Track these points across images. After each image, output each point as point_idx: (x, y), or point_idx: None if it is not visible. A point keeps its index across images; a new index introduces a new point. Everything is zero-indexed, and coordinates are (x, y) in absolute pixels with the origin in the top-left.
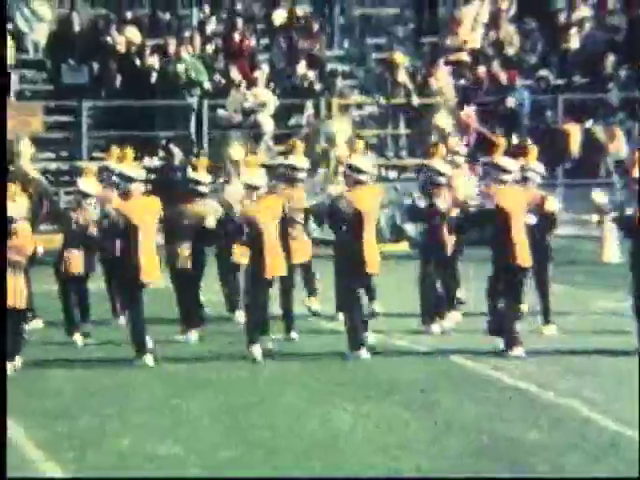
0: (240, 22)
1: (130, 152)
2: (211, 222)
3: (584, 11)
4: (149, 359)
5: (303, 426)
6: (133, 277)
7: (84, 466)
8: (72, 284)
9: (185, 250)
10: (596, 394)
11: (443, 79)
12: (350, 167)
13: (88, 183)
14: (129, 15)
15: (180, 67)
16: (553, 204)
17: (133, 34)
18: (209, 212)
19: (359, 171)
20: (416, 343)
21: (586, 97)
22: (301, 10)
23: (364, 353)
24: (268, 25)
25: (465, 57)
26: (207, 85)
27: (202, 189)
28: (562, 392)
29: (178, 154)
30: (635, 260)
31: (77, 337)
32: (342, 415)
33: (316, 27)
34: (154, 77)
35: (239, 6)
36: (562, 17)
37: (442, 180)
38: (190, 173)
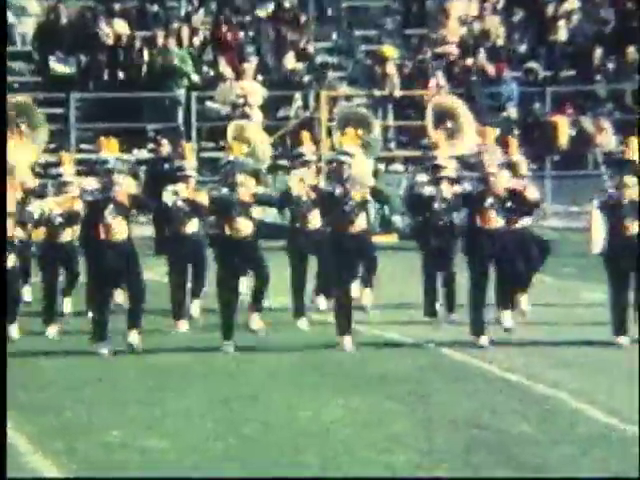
0: (228, 14)
1: (115, 142)
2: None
3: (572, 3)
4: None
5: (294, 419)
6: None
7: (73, 459)
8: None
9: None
10: (585, 386)
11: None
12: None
13: (68, 171)
14: (117, 7)
15: (169, 57)
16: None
17: (121, 26)
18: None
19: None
20: (406, 335)
21: (574, 89)
22: (288, 2)
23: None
24: (255, 17)
25: (453, 49)
26: (195, 77)
27: (187, 173)
28: (551, 384)
29: (166, 146)
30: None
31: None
32: (333, 408)
33: (303, 19)
34: (142, 69)
35: None
36: (550, 9)
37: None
38: (176, 161)
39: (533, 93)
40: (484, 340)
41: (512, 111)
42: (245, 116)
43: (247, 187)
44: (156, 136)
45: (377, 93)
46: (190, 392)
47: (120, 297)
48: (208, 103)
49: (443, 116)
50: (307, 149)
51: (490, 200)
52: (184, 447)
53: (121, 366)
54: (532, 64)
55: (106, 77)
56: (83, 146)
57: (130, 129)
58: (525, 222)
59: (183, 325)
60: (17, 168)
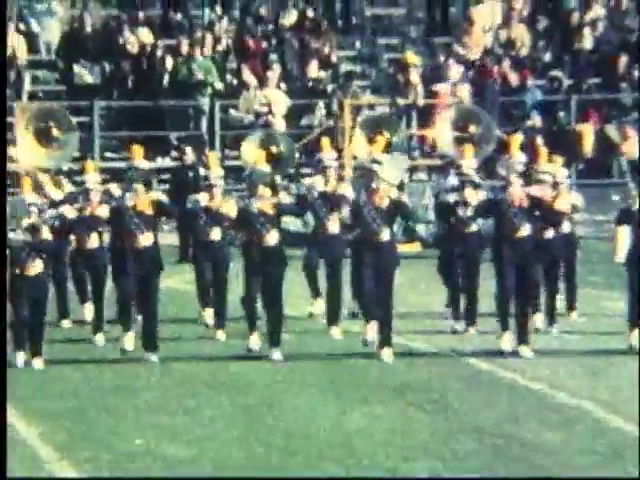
0: (251, 22)
1: (139, 149)
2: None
3: (597, 11)
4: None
5: (317, 428)
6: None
7: (98, 466)
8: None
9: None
10: (608, 395)
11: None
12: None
13: (92, 178)
14: (141, 15)
15: (193, 67)
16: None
17: (145, 35)
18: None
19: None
20: (429, 344)
21: (599, 97)
22: (312, 11)
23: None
24: (279, 26)
25: (478, 57)
26: (218, 86)
27: (212, 182)
28: (574, 393)
29: (190, 154)
30: None
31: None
32: (356, 417)
33: (325, 27)
34: (166, 77)
35: (251, 6)
36: (575, 17)
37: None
38: (201, 169)
39: (557, 101)
40: (526, 351)
41: (536, 119)
42: (268, 125)
43: (268, 198)
44: (180, 144)
45: (400, 101)
46: (214, 400)
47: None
48: (232, 111)
49: (465, 122)
50: (326, 155)
51: (513, 209)
52: (208, 455)
53: (144, 374)
54: (556, 72)
55: (130, 85)
56: (107, 154)
57: (154, 137)
58: (560, 230)
59: (221, 334)
60: (44, 179)
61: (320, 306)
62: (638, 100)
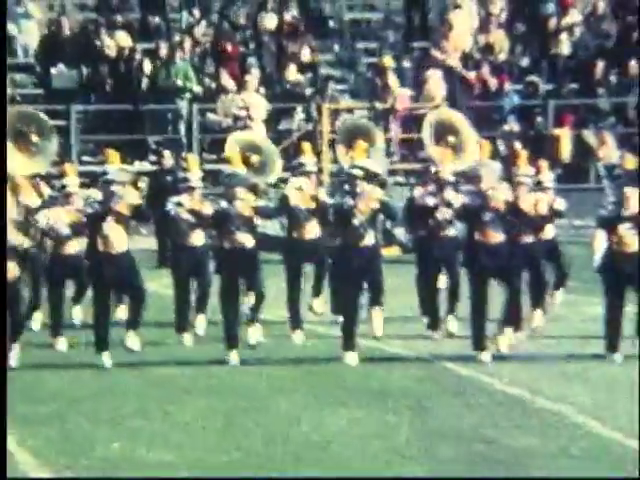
0: (229, 26)
1: (116, 154)
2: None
3: (574, 17)
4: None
5: (295, 432)
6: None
7: (76, 472)
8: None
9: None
10: (588, 400)
11: (435, 85)
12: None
13: (72, 181)
14: (119, 19)
15: (172, 72)
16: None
17: (123, 38)
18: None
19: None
20: (408, 349)
21: (576, 102)
22: (290, 15)
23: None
24: (258, 29)
25: (456, 62)
26: (197, 89)
27: (192, 184)
28: (554, 398)
29: (169, 157)
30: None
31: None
32: (335, 421)
33: (302, 30)
34: (145, 81)
35: (229, 10)
36: (553, 22)
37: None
38: (180, 173)
39: (535, 106)
40: (486, 356)
41: (513, 124)
42: (247, 128)
43: (246, 200)
44: (158, 148)
45: (379, 106)
46: (192, 405)
47: (122, 313)
48: (210, 115)
49: (444, 131)
50: (308, 159)
51: (489, 215)
52: (186, 460)
53: (124, 379)
54: (533, 77)
55: (108, 89)
56: (85, 158)
57: (132, 141)
58: (538, 236)
59: (187, 338)
60: (21, 182)
61: (321, 304)
62: (615, 105)
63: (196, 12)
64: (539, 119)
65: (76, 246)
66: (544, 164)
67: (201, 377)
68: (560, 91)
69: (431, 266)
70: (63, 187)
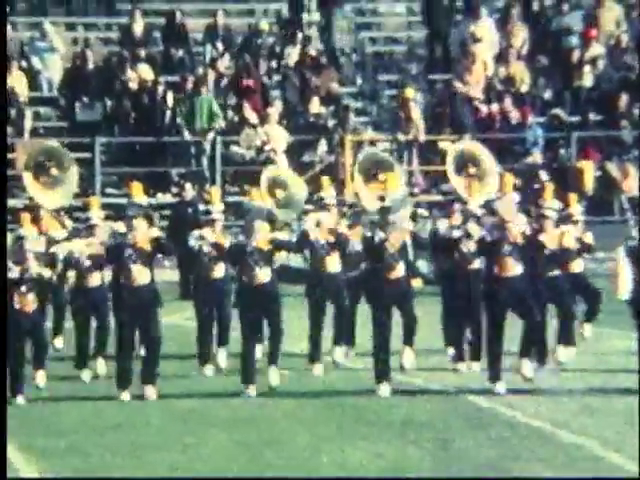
0: (252, 59)
1: (139, 186)
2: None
3: (597, 49)
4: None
5: (317, 464)
6: None
7: None
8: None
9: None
10: (611, 434)
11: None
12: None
13: (96, 214)
14: (142, 53)
15: (197, 105)
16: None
17: (145, 71)
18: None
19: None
20: (430, 381)
21: (600, 135)
22: (314, 48)
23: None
24: (281, 62)
25: (479, 94)
26: (221, 124)
27: (214, 217)
28: (577, 431)
29: (190, 190)
30: None
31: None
32: (356, 454)
33: (325, 62)
34: (167, 114)
35: (252, 43)
36: (576, 55)
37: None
38: (202, 205)
39: (558, 138)
40: (501, 387)
41: (537, 156)
42: (270, 161)
43: (263, 234)
44: (180, 181)
45: (401, 138)
46: (213, 437)
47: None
48: (233, 148)
49: (465, 162)
50: (327, 193)
51: (507, 248)
52: None
53: (144, 411)
54: (557, 110)
55: (131, 122)
56: (108, 190)
57: (154, 174)
58: (565, 270)
59: (209, 369)
60: (45, 215)
61: (342, 354)
62: (638, 138)
63: (219, 45)
64: (562, 151)
65: (98, 279)
66: (573, 197)
67: (222, 409)
68: (583, 123)
69: (456, 299)
70: (87, 220)
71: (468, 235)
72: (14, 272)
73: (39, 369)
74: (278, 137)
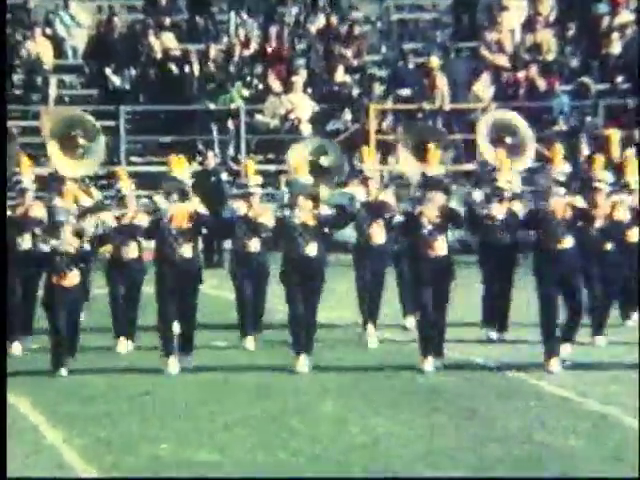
0: (278, 27)
1: (182, 160)
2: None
3: (626, 16)
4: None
5: (342, 432)
6: None
7: (122, 471)
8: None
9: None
10: (635, 401)
11: (483, 86)
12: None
13: (126, 184)
14: (167, 20)
15: (219, 72)
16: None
17: (170, 39)
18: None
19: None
20: (455, 351)
21: (627, 102)
22: (337, 17)
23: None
24: (305, 30)
25: (504, 61)
26: (245, 94)
27: (251, 190)
28: (601, 400)
29: (212, 158)
30: None
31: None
32: (382, 422)
33: (357, 31)
34: (193, 82)
35: (276, 12)
36: (604, 22)
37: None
38: (223, 175)
39: (585, 106)
40: (555, 365)
41: (564, 125)
42: (295, 130)
43: (307, 209)
44: (204, 149)
45: (426, 106)
46: (239, 406)
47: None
48: (257, 116)
49: (502, 132)
50: (368, 165)
51: (555, 221)
52: (232, 460)
53: (171, 380)
54: (585, 78)
55: (157, 90)
56: (133, 159)
57: (180, 142)
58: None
59: (250, 342)
60: (70, 183)
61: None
62: None
63: (244, 14)
64: (589, 119)
65: (134, 250)
66: (631, 165)
67: (248, 380)
68: (611, 91)
69: (487, 272)
70: (117, 191)
71: (492, 217)
72: (48, 245)
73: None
74: (303, 106)
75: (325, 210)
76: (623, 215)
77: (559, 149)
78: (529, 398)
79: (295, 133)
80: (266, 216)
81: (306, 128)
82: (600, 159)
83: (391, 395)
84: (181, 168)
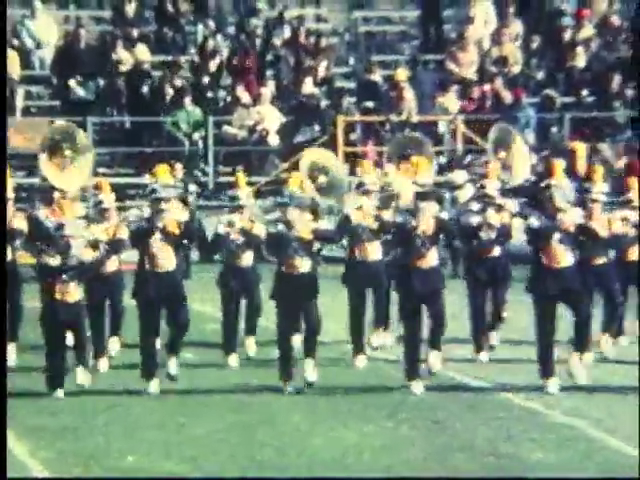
0: (246, 39)
1: (165, 168)
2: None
3: (590, 29)
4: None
5: (309, 444)
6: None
7: None
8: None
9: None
10: (601, 414)
11: (450, 98)
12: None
13: (108, 197)
14: (135, 32)
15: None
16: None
17: (140, 51)
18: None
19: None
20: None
21: (593, 115)
22: (304, 29)
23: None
24: (272, 43)
25: (471, 74)
26: (195, 137)
27: (242, 203)
28: (568, 412)
29: (180, 170)
30: None
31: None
32: (348, 434)
33: (323, 44)
34: (159, 93)
35: (245, 23)
36: (568, 35)
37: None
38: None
39: (551, 119)
40: (553, 385)
41: (530, 137)
42: (262, 141)
43: (304, 223)
44: (170, 160)
45: (394, 118)
46: (208, 417)
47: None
48: (225, 127)
49: (500, 146)
50: (367, 177)
51: (558, 236)
52: (201, 472)
53: (139, 393)
54: (550, 91)
55: (124, 101)
56: (100, 170)
57: (147, 153)
58: (624, 258)
59: (233, 359)
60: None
61: (380, 337)
62: (631, 118)
63: (212, 24)
64: (554, 130)
65: (115, 264)
66: (633, 180)
67: (216, 391)
68: (576, 104)
69: (476, 286)
70: (99, 203)
71: (489, 225)
72: (56, 260)
73: (79, 366)
74: (271, 117)
75: (323, 225)
76: (623, 229)
77: (560, 165)
78: (496, 410)
79: (263, 144)
80: (258, 228)
81: (274, 139)
82: (600, 170)
83: (358, 407)
84: (168, 176)
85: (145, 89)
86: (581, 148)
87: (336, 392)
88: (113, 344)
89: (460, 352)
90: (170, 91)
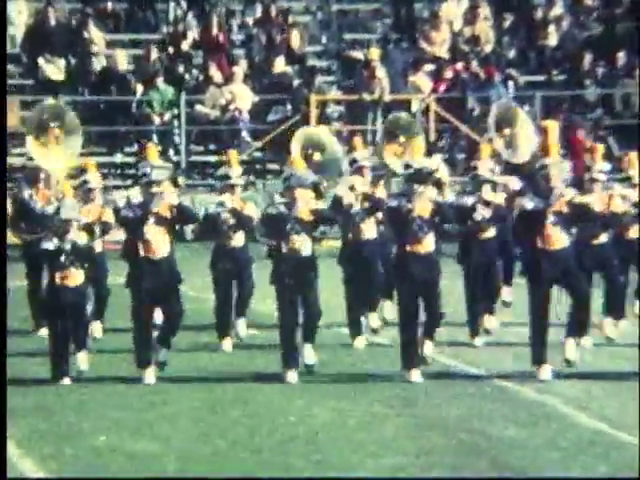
0: (218, 17)
1: (154, 150)
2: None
3: (561, 8)
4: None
5: (282, 423)
6: None
7: (60, 463)
8: None
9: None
10: (573, 391)
11: (422, 77)
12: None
13: (93, 177)
14: (106, 9)
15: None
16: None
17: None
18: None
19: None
20: (394, 339)
21: (564, 94)
22: (276, 7)
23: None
24: (246, 20)
25: (444, 53)
26: (165, 117)
27: (233, 182)
28: (539, 389)
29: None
30: None
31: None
32: (322, 412)
33: (293, 21)
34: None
35: (217, 2)
36: (540, 13)
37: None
38: (222, 168)
39: (523, 98)
40: (545, 372)
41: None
42: (234, 120)
43: (305, 203)
44: (141, 139)
45: (366, 97)
46: (179, 396)
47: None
48: (197, 107)
49: (503, 123)
50: (360, 154)
51: (552, 218)
52: (173, 451)
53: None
54: (511, 70)
55: (94, 80)
56: None
57: (119, 132)
58: (623, 236)
59: (228, 343)
60: (53, 176)
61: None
62: (602, 97)
63: (183, 3)
64: (526, 109)
65: (100, 246)
66: (634, 157)
67: (188, 369)
68: (548, 82)
69: (471, 270)
70: (85, 183)
71: (486, 203)
72: (52, 244)
73: (80, 350)
74: (243, 96)
75: (322, 204)
76: (622, 207)
77: (600, 148)
78: (467, 386)
79: (235, 124)
80: (250, 209)
81: (245, 118)
82: (600, 148)
83: (331, 385)
84: (157, 157)
85: (119, 68)
86: (553, 126)
87: (311, 371)
88: (96, 328)
89: (451, 336)
90: (142, 70)
